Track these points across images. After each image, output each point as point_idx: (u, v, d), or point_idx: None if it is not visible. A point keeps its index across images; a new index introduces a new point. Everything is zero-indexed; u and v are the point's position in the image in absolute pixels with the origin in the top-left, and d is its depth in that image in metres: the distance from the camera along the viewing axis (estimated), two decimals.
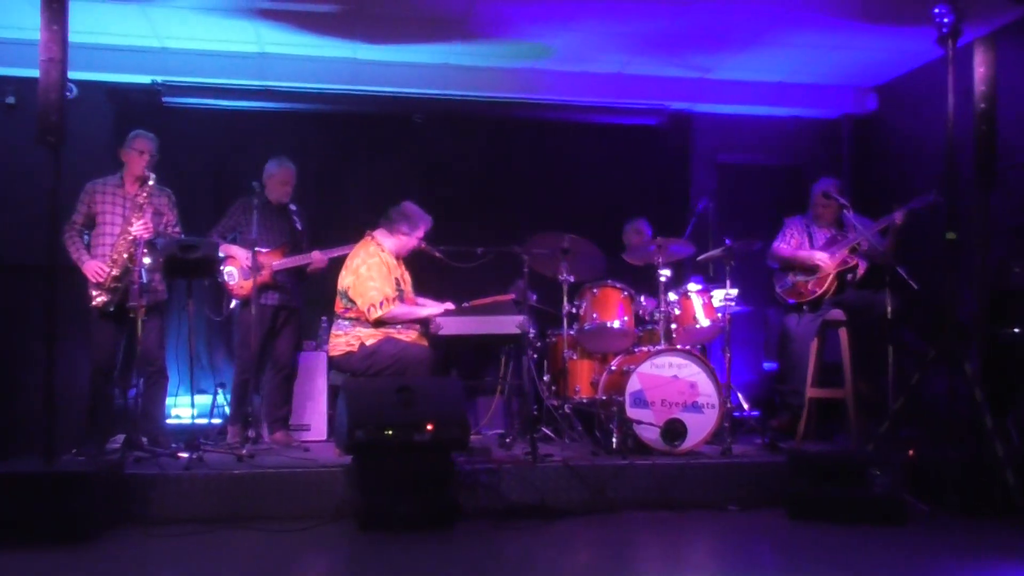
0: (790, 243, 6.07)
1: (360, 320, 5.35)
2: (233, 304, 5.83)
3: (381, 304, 5.28)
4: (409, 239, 5.53)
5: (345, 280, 5.41)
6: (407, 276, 5.66)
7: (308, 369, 6.15)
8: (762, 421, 6.23)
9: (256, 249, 5.32)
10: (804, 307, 5.95)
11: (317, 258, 5.73)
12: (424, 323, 5.49)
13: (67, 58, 4.42)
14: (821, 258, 5.91)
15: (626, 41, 6.46)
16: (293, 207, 5.75)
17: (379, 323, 5.32)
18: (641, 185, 7.45)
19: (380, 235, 5.54)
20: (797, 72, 7.11)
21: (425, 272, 6.15)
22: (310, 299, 6.24)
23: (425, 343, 5.42)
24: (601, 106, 7.29)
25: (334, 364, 5.51)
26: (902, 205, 5.66)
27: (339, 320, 5.44)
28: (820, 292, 5.87)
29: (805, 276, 5.93)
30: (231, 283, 5.69)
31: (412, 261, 5.74)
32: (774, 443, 5.57)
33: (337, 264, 5.66)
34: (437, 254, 5.53)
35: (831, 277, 5.85)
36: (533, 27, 6.18)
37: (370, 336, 5.31)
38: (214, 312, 6.02)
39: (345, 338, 5.35)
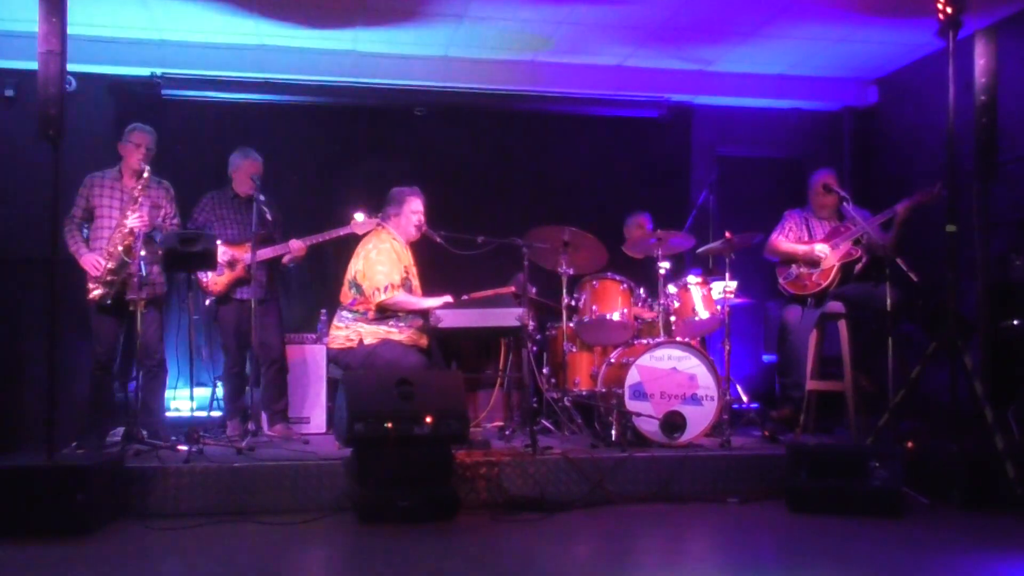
0: (788, 236, 6.04)
1: (364, 315, 5.35)
2: (208, 301, 5.76)
3: (386, 288, 5.30)
4: (401, 218, 5.55)
5: (355, 266, 5.42)
6: (414, 270, 5.66)
7: (308, 362, 6.13)
8: (762, 413, 6.23)
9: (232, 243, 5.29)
10: (809, 299, 5.90)
11: (295, 246, 5.62)
12: (424, 317, 5.49)
13: (66, 50, 4.40)
14: (822, 251, 5.86)
15: (627, 33, 6.44)
16: (261, 197, 5.41)
17: (380, 310, 5.33)
18: (641, 177, 7.45)
19: (387, 225, 5.59)
20: (798, 64, 7.10)
21: (426, 263, 6.14)
22: (309, 291, 6.23)
23: (424, 343, 5.44)
24: (602, 98, 7.28)
25: (332, 358, 5.51)
26: (905, 197, 5.65)
27: (342, 312, 5.44)
28: (825, 284, 5.82)
29: (809, 268, 5.89)
30: (205, 280, 5.64)
31: (413, 250, 5.72)
32: (773, 435, 5.58)
33: (320, 253, 5.67)
34: (438, 239, 5.50)
35: (835, 269, 5.81)
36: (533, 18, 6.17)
37: (370, 335, 5.32)
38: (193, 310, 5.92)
39: (346, 332, 5.36)
